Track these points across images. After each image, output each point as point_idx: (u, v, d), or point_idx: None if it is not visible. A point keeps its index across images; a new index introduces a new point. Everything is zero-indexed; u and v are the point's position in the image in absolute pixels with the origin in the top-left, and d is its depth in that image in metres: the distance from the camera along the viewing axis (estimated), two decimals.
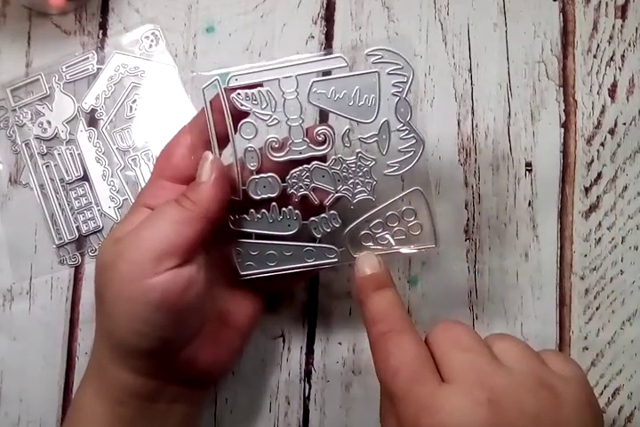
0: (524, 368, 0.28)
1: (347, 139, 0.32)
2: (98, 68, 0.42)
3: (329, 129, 0.32)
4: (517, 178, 0.41)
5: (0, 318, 0.41)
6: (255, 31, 0.42)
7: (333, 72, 0.32)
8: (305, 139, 0.32)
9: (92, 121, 0.42)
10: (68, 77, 0.42)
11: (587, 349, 0.40)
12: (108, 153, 0.42)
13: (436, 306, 0.40)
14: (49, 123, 0.42)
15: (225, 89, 0.32)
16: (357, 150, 0.32)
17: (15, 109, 0.42)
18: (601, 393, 0.39)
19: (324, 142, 0.32)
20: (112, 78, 0.42)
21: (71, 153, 0.42)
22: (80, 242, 0.42)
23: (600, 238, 0.40)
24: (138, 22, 0.42)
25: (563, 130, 0.41)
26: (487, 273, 0.40)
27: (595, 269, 0.40)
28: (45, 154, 0.42)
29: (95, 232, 0.41)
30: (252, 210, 0.33)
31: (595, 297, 0.40)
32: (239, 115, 0.32)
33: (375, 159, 0.32)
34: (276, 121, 0.32)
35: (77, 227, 0.41)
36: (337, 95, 0.32)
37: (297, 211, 0.33)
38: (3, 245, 0.41)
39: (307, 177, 0.32)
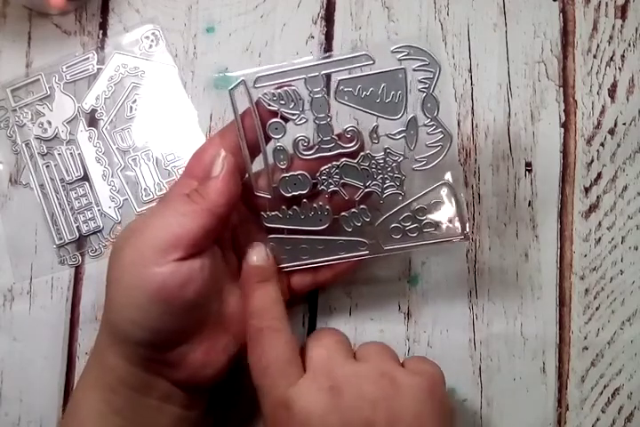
0: (371, 363, 0.32)
1: (374, 135, 0.33)
2: (98, 69, 0.42)
3: (357, 127, 0.33)
4: (517, 178, 0.41)
5: (0, 318, 0.41)
6: (255, 31, 0.42)
7: (359, 70, 0.32)
8: (333, 136, 0.33)
9: (93, 121, 0.42)
10: (68, 77, 0.42)
11: (587, 349, 0.40)
12: (108, 153, 0.42)
13: (436, 306, 0.40)
14: (49, 123, 0.42)
15: (249, 91, 0.32)
16: (385, 146, 0.33)
17: (15, 109, 0.42)
18: (601, 393, 0.39)
19: (352, 140, 0.33)
20: (112, 78, 0.42)
21: (71, 153, 0.42)
22: (80, 242, 0.42)
23: (600, 238, 0.40)
24: (138, 22, 0.42)
25: (563, 130, 0.41)
26: (487, 273, 0.40)
27: (595, 269, 0.40)
28: (45, 154, 0.42)
29: (95, 232, 0.41)
30: (283, 207, 0.34)
31: (595, 297, 0.40)
32: (268, 115, 0.33)
33: (403, 155, 0.33)
34: (304, 120, 0.32)
35: (77, 227, 0.41)
36: (364, 93, 0.32)
37: (327, 206, 0.34)
38: (3, 245, 0.41)
39: (336, 174, 0.33)
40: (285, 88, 0.32)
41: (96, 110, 0.42)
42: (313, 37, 0.42)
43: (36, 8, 0.43)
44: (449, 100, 0.38)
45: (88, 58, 0.42)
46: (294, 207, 0.34)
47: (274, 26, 0.42)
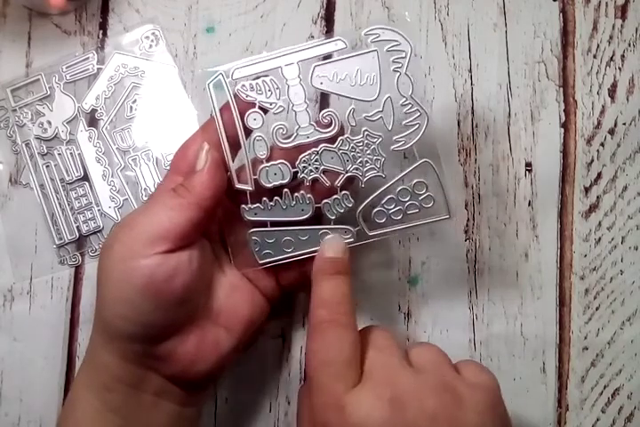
0: (430, 371, 0.30)
1: (352, 118, 0.33)
2: (98, 69, 0.42)
3: (334, 111, 0.33)
4: (517, 178, 0.41)
5: (0, 318, 0.41)
6: (255, 31, 0.42)
7: (333, 55, 0.33)
8: (311, 123, 0.33)
9: (93, 121, 0.42)
10: (68, 77, 0.42)
11: (587, 349, 0.40)
12: (108, 153, 0.42)
13: (436, 306, 0.40)
14: (49, 123, 0.42)
15: (229, 82, 0.32)
16: (364, 129, 0.33)
17: (15, 109, 0.42)
18: (601, 393, 0.39)
19: (329, 125, 0.33)
20: (112, 78, 0.42)
21: (71, 153, 0.42)
22: (80, 242, 0.42)
23: (600, 238, 0.40)
24: (138, 22, 0.42)
25: (563, 130, 0.41)
26: (487, 273, 0.40)
27: (595, 269, 0.40)
28: (45, 154, 0.42)
29: (95, 232, 0.41)
30: (264, 198, 0.34)
31: (595, 297, 0.40)
32: (246, 107, 0.33)
33: (382, 136, 0.33)
34: (281, 108, 0.33)
35: (77, 227, 0.41)
36: (339, 77, 0.33)
37: (309, 195, 0.33)
38: (3, 245, 0.41)
39: (316, 160, 0.33)
40: (262, 78, 0.32)
41: (96, 110, 0.42)
42: (313, 37, 0.42)
43: (36, 8, 0.43)
44: (422, 78, 0.38)
45: (88, 58, 0.42)
46: (276, 198, 0.33)
47: (274, 26, 0.42)
